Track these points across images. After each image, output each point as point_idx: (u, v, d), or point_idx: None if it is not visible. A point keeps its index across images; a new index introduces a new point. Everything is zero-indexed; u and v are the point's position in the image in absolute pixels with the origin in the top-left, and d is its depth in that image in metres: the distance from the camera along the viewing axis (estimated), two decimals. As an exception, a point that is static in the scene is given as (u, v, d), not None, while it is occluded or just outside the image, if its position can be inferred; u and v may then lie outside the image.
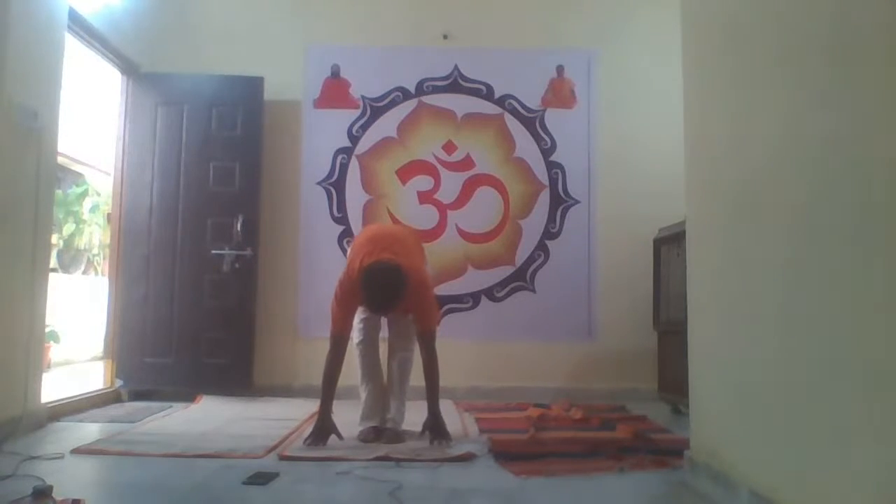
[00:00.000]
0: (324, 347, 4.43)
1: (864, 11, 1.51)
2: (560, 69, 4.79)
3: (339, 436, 2.88)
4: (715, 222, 2.31)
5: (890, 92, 1.41)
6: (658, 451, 2.76)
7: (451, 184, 4.71)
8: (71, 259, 7.05)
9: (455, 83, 4.77)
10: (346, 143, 4.71)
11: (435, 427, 2.96)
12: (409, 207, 4.69)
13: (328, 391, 2.93)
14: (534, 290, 4.67)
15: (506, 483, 2.39)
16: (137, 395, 4.25)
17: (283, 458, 2.67)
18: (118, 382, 4.24)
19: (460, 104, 4.75)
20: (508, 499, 2.25)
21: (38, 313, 3.30)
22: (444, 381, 4.54)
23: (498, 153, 4.75)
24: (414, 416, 3.29)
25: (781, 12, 1.88)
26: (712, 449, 2.24)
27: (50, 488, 1.87)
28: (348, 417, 3.28)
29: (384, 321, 3.22)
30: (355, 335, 3.15)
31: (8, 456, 2.59)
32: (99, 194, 7.33)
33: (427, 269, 3.28)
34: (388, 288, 2.81)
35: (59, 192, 6.14)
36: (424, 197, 4.70)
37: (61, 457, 2.63)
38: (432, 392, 3.01)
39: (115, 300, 4.36)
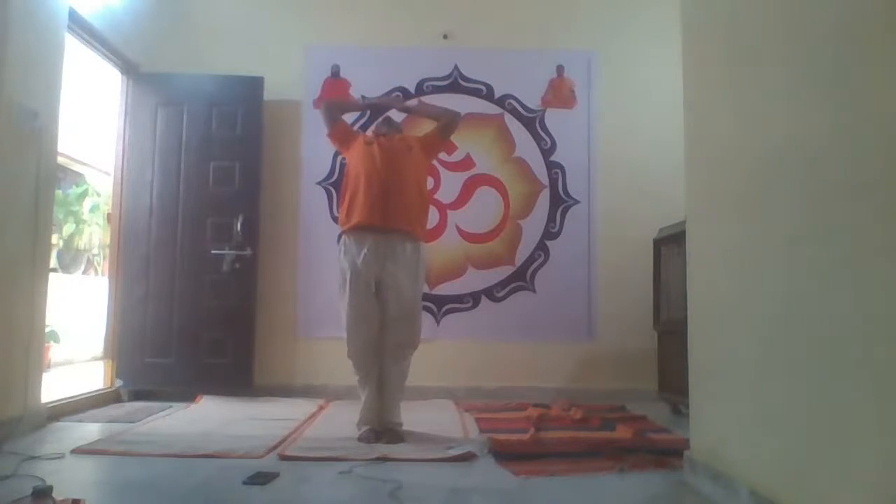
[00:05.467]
0: (324, 348, 4.43)
1: (867, 7, 1.52)
2: (560, 69, 4.79)
3: None
4: (715, 222, 2.31)
5: (892, 88, 1.41)
6: (658, 451, 2.76)
7: (451, 184, 4.71)
8: (71, 259, 7.05)
9: (455, 83, 4.77)
10: (347, 143, 4.70)
11: None
12: (409, 207, 4.68)
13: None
14: (534, 290, 4.67)
15: (506, 483, 2.39)
16: (137, 395, 4.25)
17: (283, 458, 2.67)
18: (118, 382, 4.24)
19: (460, 104, 4.72)
20: (508, 499, 2.25)
21: (38, 313, 3.30)
22: (444, 381, 4.55)
23: (498, 153, 4.76)
24: (414, 416, 3.29)
25: (782, 11, 1.89)
26: (712, 449, 2.24)
27: (50, 488, 1.87)
28: (348, 417, 3.28)
29: (383, 323, 3.16)
30: (351, 335, 3.13)
31: (8, 456, 2.59)
32: (99, 194, 7.33)
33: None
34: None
35: (59, 192, 6.13)
36: (424, 197, 4.70)
37: (61, 457, 2.63)
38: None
39: (115, 300, 4.35)
